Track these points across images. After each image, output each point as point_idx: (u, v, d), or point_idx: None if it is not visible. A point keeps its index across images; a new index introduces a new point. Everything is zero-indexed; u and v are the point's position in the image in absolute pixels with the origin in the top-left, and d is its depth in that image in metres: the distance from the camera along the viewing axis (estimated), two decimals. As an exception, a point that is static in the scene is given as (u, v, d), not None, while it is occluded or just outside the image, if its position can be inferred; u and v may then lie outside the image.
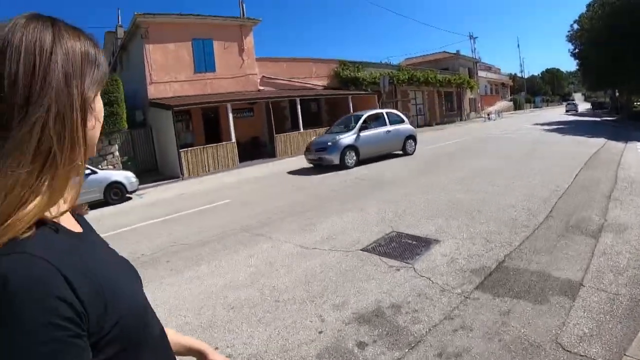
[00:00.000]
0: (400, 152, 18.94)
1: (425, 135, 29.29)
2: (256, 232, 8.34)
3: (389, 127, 18.46)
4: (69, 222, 0.90)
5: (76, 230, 0.90)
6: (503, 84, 76.73)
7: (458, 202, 9.02)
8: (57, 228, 0.80)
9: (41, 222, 0.75)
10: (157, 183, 19.23)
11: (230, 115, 22.61)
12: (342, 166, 16.37)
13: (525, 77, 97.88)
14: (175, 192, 16.37)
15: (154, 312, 0.99)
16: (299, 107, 25.81)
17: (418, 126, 38.97)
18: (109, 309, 0.77)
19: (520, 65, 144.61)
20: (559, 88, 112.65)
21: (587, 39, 40.03)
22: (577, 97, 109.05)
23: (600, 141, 20.37)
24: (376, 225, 7.85)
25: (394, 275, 5.47)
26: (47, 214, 0.76)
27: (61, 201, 0.82)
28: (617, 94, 55.71)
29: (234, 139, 22.57)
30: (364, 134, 17.41)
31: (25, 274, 0.66)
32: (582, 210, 7.67)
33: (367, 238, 7.17)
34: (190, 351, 1.29)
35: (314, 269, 5.99)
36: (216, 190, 15.17)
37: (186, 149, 21.04)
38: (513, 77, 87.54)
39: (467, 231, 6.94)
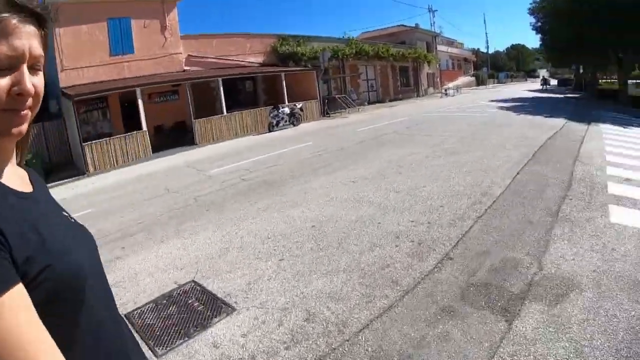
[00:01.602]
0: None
1: (369, 114, 26.90)
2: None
3: None
4: (19, 184, 0.95)
5: (23, 190, 0.93)
6: (465, 59, 74.66)
7: (323, 223, 6.51)
8: None
9: None
10: (57, 182, 16.31)
11: (140, 101, 19.91)
12: None
13: (490, 53, 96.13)
14: (65, 194, 13.38)
15: (106, 283, 1.05)
16: (221, 87, 22.97)
17: (370, 103, 36.91)
18: (37, 253, 0.79)
19: (486, 42, 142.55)
20: (523, 64, 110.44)
21: (550, 11, 37.80)
22: (542, 74, 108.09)
23: (559, 122, 18.35)
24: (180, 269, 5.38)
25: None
26: None
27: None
28: (581, 70, 54.43)
29: (144, 127, 19.76)
30: None
31: None
32: (506, 244, 5.21)
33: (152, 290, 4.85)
34: None
35: None
36: (96, 194, 12.59)
37: (90, 142, 18.28)
38: (476, 52, 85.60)
39: (293, 291, 4.45)
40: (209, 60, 26.27)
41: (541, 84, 63.28)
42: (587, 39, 32.67)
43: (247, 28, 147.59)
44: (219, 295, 4.46)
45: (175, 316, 4.14)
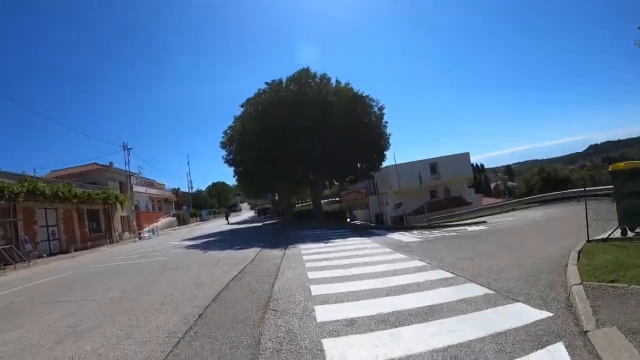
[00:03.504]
0: None
1: (38, 270, 20.33)
2: None
3: None
4: None
5: None
6: (166, 200, 72.04)
7: None
8: None
9: None
10: None
11: None
12: None
13: (193, 191, 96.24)
14: None
15: None
16: None
17: (51, 254, 29.65)
18: None
19: (190, 182, 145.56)
20: (225, 200, 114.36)
21: (238, 141, 37.95)
22: (244, 207, 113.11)
23: (251, 253, 15.58)
24: None
25: None
26: None
27: None
28: (277, 197, 56.16)
29: None
30: None
31: None
32: None
33: None
34: None
35: None
36: None
37: None
38: (177, 192, 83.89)
39: None
40: None
41: (257, 213, 65.05)
42: (276, 166, 32.71)
43: None
44: None
45: None
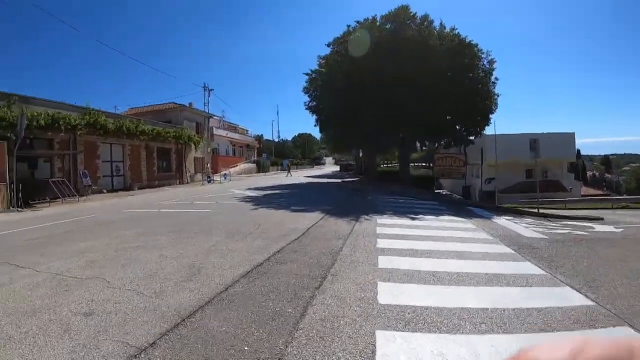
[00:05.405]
0: None
1: (81, 207, 18.38)
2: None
3: None
4: None
5: None
6: (248, 145, 70.22)
7: None
8: None
9: None
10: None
11: None
12: None
13: (278, 140, 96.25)
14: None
15: None
16: None
17: (113, 189, 27.68)
18: None
19: (277, 131, 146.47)
20: (309, 152, 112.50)
21: (322, 85, 33.13)
22: (328, 161, 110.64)
23: (310, 220, 11.77)
24: None
25: None
26: None
27: None
28: (360, 154, 52.29)
29: None
30: None
31: None
32: None
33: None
34: None
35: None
36: None
37: None
38: (259, 138, 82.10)
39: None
40: None
41: (340, 169, 66.92)
42: (362, 119, 27.97)
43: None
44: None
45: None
